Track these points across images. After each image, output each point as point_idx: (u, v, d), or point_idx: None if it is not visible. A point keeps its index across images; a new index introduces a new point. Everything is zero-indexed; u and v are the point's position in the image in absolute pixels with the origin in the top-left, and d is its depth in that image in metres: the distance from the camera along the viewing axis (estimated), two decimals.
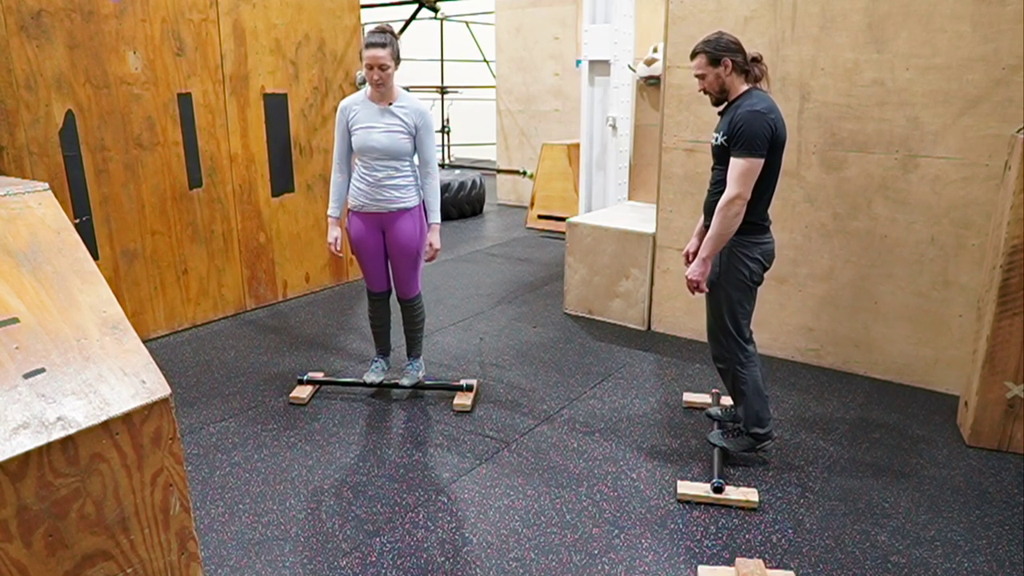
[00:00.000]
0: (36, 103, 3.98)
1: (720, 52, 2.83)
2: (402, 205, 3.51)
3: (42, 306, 1.72)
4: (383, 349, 3.96)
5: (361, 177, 3.50)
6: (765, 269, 3.00)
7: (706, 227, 3.05)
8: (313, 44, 5.42)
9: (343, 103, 3.51)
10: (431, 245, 3.62)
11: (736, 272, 2.94)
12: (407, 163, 3.51)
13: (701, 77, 2.91)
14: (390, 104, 3.43)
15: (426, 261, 3.68)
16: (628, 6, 5.82)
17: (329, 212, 3.65)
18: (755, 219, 2.90)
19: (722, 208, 2.81)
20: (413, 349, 3.91)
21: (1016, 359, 3.16)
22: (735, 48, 2.85)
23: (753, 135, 2.73)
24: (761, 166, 2.78)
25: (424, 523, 2.79)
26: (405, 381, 3.84)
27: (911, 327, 3.90)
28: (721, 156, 2.90)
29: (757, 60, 2.91)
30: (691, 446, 3.36)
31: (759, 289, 3.07)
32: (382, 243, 3.64)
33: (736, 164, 2.78)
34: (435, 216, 3.60)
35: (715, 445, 3.19)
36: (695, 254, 3.25)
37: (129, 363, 1.72)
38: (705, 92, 2.95)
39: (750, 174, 2.77)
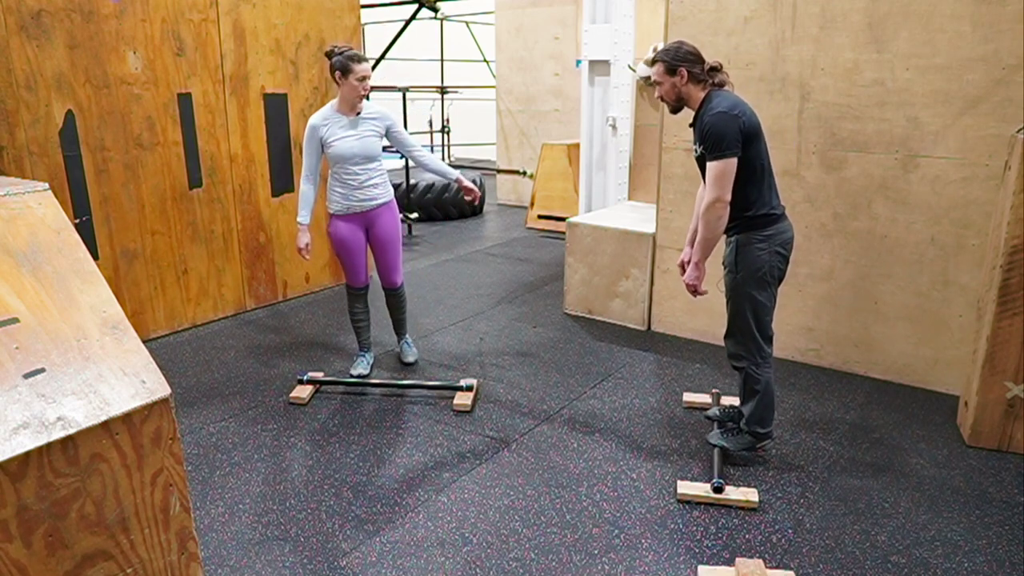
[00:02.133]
0: (36, 103, 3.98)
1: (677, 62, 2.86)
2: (382, 200, 3.88)
3: (42, 306, 1.72)
4: (366, 344, 4.21)
5: (343, 182, 3.78)
6: (786, 260, 2.99)
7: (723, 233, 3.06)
8: (313, 44, 5.41)
9: (312, 122, 3.74)
10: (465, 185, 3.97)
11: (755, 270, 2.93)
12: (380, 163, 3.87)
13: (658, 84, 2.95)
14: (358, 115, 3.74)
15: (472, 202, 4.19)
16: (628, 6, 5.82)
17: (299, 219, 3.85)
18: (763, 211, 2.90)
19: (704, 213, 2.84)
20: (401, 329, 4.28)
21: (1016, 359, 3.16)
22: (692, 59, 2.87)
23: (720, 136, 2.76)
24: (735, 165, 2.79)
25: (424, 523, 2.79)
26: (410, 358, 4.21)
27: (911, 327, 3.90)
28: (704, 166, 2.93)
29: (716, 69, 2.92)
30: (691, 446, 3.36)
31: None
32: (365, 240, 3.93)
33: (711, 168, 2.81)
34: (452, 172, 4.03)
35: (714, 445, 3.19)
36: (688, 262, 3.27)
37: (129, 363, 1.72)
38: (662, 100, 2.99)
39: (725, 176, 2.79)
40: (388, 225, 3.92)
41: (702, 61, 2.89)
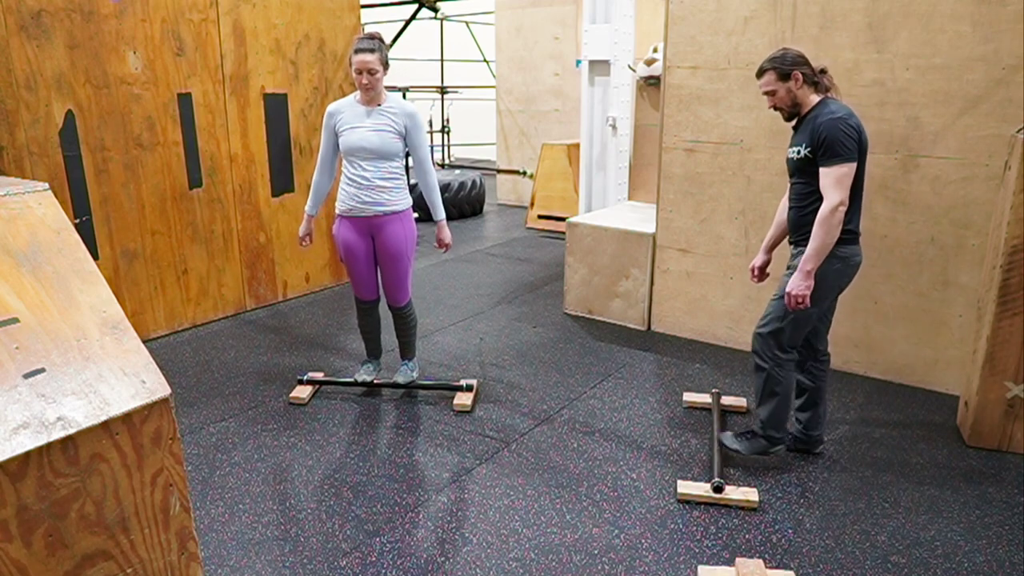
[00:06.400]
0: (36, 103, 3.98)
1: (789, 66, 2.84)
2: (391, 208, 3.51)
3: (42, 306, 1.72)
4: (374, 353, 4.00)
5: (350, 180, 3.49)
6: (845, 287, 2.97)
7: (793, 242, 3.00)
8: (313, 44, 5.41)
9: (331, 107, 3.54)
10: (442, 241, 3.71)
11: (818, 282, 2.84)
12: (396, 164, 3.51)
13: (771, 93, 2.91)
14: (378, 106, 3.46)
15: (444, 252, 3.83)
16: (628, 6, 5.82)
17: (306, 209, 3.72)
18: (848, 226, 2.85)
19: (825, 218, 2.75)
20: (406, 353, 3.92)
21: (1016, 359, 3.16)
22: (802, 61, 2.86)
23: (840, 141, 2.73)
24: (854, 170, 2.77)
25: (424, 523, 2.79)
26: (400, 379, 3.85)
27: (911, 327, 3.90)
28: (802, 169, 2.88)
29: (824, 72, 2.92)
30: (691, 446, 3.36)
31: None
32: (371, 249, 3.63)
33: (829, 172, 2.76)
34: (439, 212, 3.69)
35: (727, 448, 3.15)
36: (761, 269, 3.27)
37: (129, 363, 1.72)
38: (776, 108, 2.95)
39: (846, 179, 2.75)
40: (392, 239, 3.52)
41: (810, 63, 2.88)
